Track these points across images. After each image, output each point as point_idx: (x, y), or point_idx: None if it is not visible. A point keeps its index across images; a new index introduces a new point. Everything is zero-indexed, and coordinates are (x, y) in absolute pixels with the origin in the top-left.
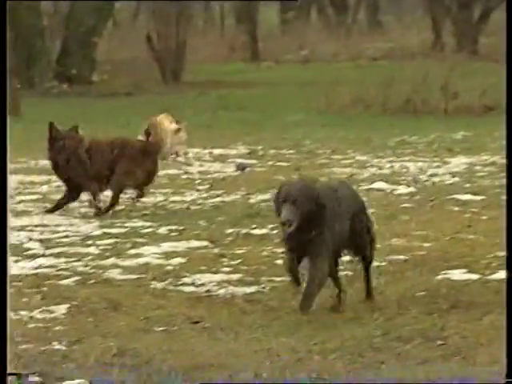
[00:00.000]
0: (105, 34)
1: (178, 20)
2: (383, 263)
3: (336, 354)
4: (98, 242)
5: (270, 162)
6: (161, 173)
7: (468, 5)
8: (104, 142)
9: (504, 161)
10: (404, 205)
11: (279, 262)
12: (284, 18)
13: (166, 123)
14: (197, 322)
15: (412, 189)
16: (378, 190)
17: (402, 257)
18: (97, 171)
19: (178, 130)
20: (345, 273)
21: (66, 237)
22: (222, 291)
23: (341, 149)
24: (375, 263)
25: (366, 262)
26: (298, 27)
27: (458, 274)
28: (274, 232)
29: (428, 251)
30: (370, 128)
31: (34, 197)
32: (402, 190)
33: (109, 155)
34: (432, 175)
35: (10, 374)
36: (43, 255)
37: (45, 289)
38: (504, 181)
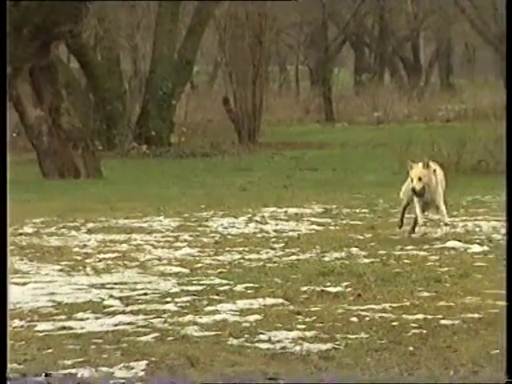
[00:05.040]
0: (183, 97)
1: (255, 82)
2: (457, 321)
3: None
4: (176, 299)
5: (344, 221)
6: (236, 231)
7: None
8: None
9: None
10: (477, 263)
11: (353, 319)
12: (358, 80)
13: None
14: (273, 379)
15: (485, 248)
16: (452, 248)
17: (475, 315)
18: None
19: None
20: (418, 331)
21: (145, 294)
22: (297, 348)
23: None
24: (449, 321)
25: None
26: (372, 89)
27: None
28: (348, 290)
29: (501, 310)
30: None
31: (114, 255)
32: (476, 248)
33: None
34: (505, 234)
35: None
36: (123, 312)
37: (124, 345)
38: None
